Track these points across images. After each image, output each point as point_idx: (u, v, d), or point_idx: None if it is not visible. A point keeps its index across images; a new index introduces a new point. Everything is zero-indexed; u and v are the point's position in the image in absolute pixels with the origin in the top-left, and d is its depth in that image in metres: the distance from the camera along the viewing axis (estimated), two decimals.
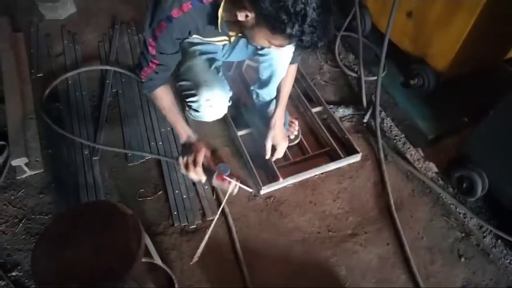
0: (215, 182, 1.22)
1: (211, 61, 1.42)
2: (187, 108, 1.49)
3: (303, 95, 1.84)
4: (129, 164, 1.60)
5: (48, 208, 1.47)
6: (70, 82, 1.87)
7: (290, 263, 1.37)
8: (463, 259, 1.41)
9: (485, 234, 1.45)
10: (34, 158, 1.58)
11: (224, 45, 1.45)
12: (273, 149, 1.55)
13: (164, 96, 1.29)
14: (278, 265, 1.36)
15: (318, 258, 1.39)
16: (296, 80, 1.82)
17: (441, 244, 1.44)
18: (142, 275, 1.15)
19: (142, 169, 1.59)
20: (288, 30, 0.96)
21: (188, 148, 1.26)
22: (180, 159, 1.26)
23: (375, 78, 1.82)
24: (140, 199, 1.51)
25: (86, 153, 1.60)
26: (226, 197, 1.27)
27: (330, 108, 1.80)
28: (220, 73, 1.43)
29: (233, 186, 1.21)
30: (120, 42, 2.08)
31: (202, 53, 1.41)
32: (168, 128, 1.71)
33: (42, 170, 1.57)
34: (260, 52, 1.46)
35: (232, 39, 1.28)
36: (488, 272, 1.38)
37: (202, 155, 1.22)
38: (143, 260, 1.27)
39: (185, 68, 1.40)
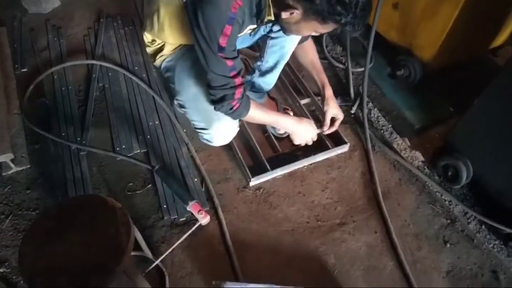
0: (190, 209, 1.30)
1: None
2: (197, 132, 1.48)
3: (291, 87, 1.85)
4: (117, 158, 1.59)
5: (35, 204, 1.46)
6: (55, 77, 1.85)
7: (280, 253, 1.39)
8: (448, 245, 1.44)
9: (469, 220, 1.49)
10: (20, 154, 1.56)
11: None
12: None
13: (257, 107, 1.35)
14: (268, 256, 1.38)
15: (307, 248, 1.40)
16: (284, 72, 1.82)
17: (427, 231, 1.47)
18: (133, 268, 1.15)
19: (130, 163, 1.58)
20: (343, 20, 1.00)
21: (298, 129, 1.46)
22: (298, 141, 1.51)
23: (362, 69, 1.83)
24: (129, 193, 1.51)
25: (73, 148, 1.59)
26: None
27: (318, 100, 1.81)
28: None
29: (207, 219, 1.29)
30: (106, 36, 2.05)
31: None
32: (157, 122, 1.70)
33: (29, 166, 1.55)
34: (272, 35, 1.45)
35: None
36: (472, 257, 1.42)
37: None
38: (133, 253, 1.29)
39: (190, 97, 1.36)
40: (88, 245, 0.95)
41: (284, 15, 1.06)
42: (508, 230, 1.38)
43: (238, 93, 1.22)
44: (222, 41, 1.08)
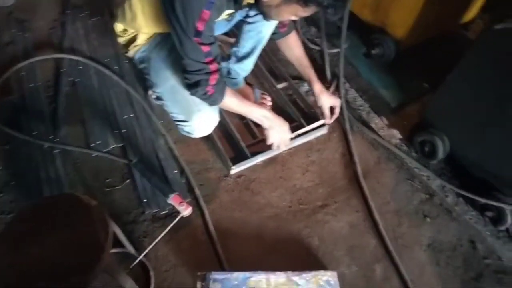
0: (171, 202, 1.29)
1: None
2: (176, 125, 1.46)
3: (267, 72, 1.83)
4: (93, 155, 1.55)
5: (10, 207, 1.41)
6: (22, 73, 1.77)
7: (264, 239, 1.39)
8: (428, 219, 1.47)
9: (447, 194, 1.52)
10: None
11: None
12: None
13: (233, 95, 1.32)
14: (252, 242, 1.38)
15: (290, 232, 1.41)
16: (259, 57, 1.79)
17: (407, 206, 1.50)
18: (114, 266, 1.13)
19: (107, 158, 1.54)
20: (326, 2, 1.00)
21: (276, 125, 1.42)
22: (271, 139, 1.45)
23: (338, 50, 1.82)
24: (107, 189, 1.47)
25: (46, 146, 1.54)
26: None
27: (295, 83, 1.80)
28: None
29: (189, 210, 1.27)
30: (73, 27, 1.97)
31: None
32: (131, 115, 1.66)
33: (0, 168, 1.50)
34: (249, 20, 1.42)
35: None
36: (451, 229, 1.46)
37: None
38: (114, 250, 1.27)
39: (167, 89, 1.34)
40: (65, 245, 0.93)
41: None
42: (483, 201, 1.42)
43: (213, 79, 1.21)
44: (200, 26, 1.06)
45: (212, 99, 1.28)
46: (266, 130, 1.46)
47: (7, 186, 1.46)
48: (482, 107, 1.34)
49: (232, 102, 1.34)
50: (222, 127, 1.63)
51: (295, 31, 1.56)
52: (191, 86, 1.23)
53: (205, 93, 1.24)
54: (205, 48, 1.13)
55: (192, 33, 1.08)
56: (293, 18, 1.16)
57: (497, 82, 1.25)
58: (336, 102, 1.60)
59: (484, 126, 1.37)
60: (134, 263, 1.23)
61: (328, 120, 1.62)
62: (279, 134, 1.46)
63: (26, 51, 1.87)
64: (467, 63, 1.32)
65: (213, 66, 1.19)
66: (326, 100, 1.58)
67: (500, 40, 1.18)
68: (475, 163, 1.46)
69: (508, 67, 1.20)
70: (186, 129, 1.41)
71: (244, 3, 1.16)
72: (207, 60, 1.17)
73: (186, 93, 1.29)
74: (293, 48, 1.56)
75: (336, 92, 1.77)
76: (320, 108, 1.60)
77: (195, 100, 1.32)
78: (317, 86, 1.57)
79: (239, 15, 1.40)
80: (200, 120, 1.36)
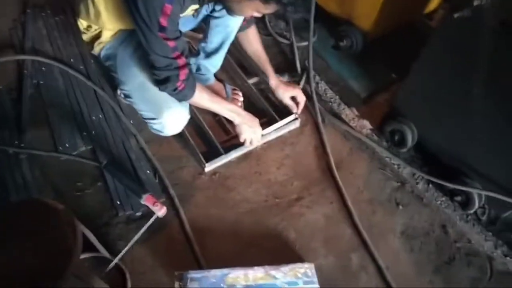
0: (144, 202, 1.29)
1: None
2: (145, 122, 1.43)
3: (238, 67, 1.82)
4: (61, 158, 1.50)
5: None
6: None
7: (241, 235, 1.39)
8: (400, 207, 1.51)
9: (418, 181, 1.56)
10: None
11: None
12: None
13: (203, 90, 1.30)
14: (229, 239, 1.38)
15: (267, 226, 1.42)
16: (229, 52, 1.78)
17: (380, 195, 1.53)
18: (87, 271, 1.11)
19: (76, 161, 1.50)
20: (285, 0, 1.02)
21: (247, 121, 1.42)
22: (244, 136, 1.46)
23: (306, 43, 1.84)
24: (78, 193, 1.43)
25: (10, 152, 1.48)
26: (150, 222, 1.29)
27: (266, 78, 1.79)
28: None
29: (163, 211, 1.28)
30: (35, 27, 1.90)
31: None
32: (100, 116, 1.61)
33: None
34: (215, 14, 1.41)
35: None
36: (423, 215, 1.50)
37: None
38: (87, 255, 1.24)
39: (135, 86, 1.31)
40: (33, 252, 0.89)
41: None
42: (452, 186, 1.47)
43: (183, 74, 1.20)
44: (163, 21, 1.05)
45: (182, 95, 1.26)
46: (238, 127, 1.46)
47: None
48: (446, 94, 1.38)
49: (202, 98, 1.33)
50: (194, 124, 1.62)
51: (254, 25, 1.56)
52: (161, 82, 1.22)
53: (175, 89, 1.22)
54: (171, 43, 1.12)
55: (156, 29, 1.07)
56: (256, 14, 1.17)
57: (458, 70, 1.29)
58: (295, 92, 1.61)
59: (449, 113, 1.41)
60: (109, 266, 1.21)
61: (295, 110, 1.63)
62: (250, 130, 1.46)
63: None
64: (430, 52, 1.35)
65: (181, 61, 1.17)
66: (284, 93, 1.61)
67: (458, 29, 1.22)
68: (443, 150, 1.51)
69: (468, 54, 1.24)
70: (156, 127, 1.39)
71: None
72: (174, 55, 1.15)
73: (155, 90, 1.27)
74: (252, 42, 1.57)
75: (307, 84, 1.78)
76: (281, 101, 1.63)
77: (165, 97, 1.30)
78: (273, 81, 1.61)
79: (205, 10, 1.39)
80: (171, 118, 1.34)
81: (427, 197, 1.53)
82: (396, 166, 1.59)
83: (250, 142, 1.50)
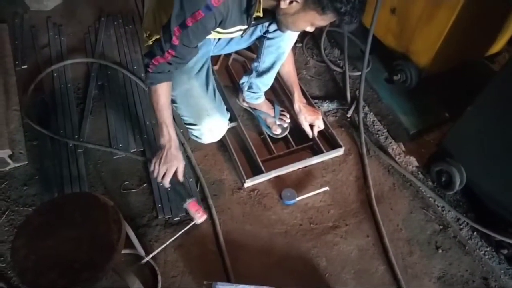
0: (187, 207, 1.32)
1: (207, 78, 1.41)
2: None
3: (288, 90, 1.86)
4: (114, 157, 1.60)
5: (32, 200, 1.47)
6: (55, 74, 1.86)
7: (272, 255, 1.40)
8: (440, 251, 1.44)
9: (461, 227, 1.49)
10: (18, 150, 1.58)
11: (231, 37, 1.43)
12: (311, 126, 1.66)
13: (164, 93, 1.25)
14: (260, 257, 1.39)
15: (299, 250, 1.41)
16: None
17: (419, 236, 1.48)
18: (124, 266, 1.16)
19: (127, 161, 1.60)
20: (343, 8, 1.00)
21: (166, 154, 1.27)
22: (154, 161, 1.29)
23: (359, 73, 1.84)
24: (124, 191, 1.52)
25: (70, 145, 1.61)
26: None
27: (315, 103, 1.82)
28: (217, 94, 1.45)
29: (203, 218, 1.32)
30: (106, 34, 2.07)
31: (197, 65, 1.37)
32: (153, 121, 1.71)
33: (26, 163, 1.57)
34: (268, 36, 1.46)
35: (250, 28, 1.24)
36: (464, 263, 1.42)
37: (181, 169, 1.30)
38: (125, 251, 1.30)
39: (181, 92, 1.37)
40: (79, 242, 0.97)
41: (283, 4, 1.06)
42: (499, 237, 1.39)
43: (159, 61, 1.17)
44: (189, 22, 1.06)
45: (147, 76, 1.24)
46: (158, 154, 1.32)
47: (32, 180, 1.53)
48: (502, 140, 1.32)
49: (157, 98, 1.25)
50: (239, 139, 1.67)
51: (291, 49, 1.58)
52: (147, 55, 1.22)
53: (147, 66, 1.21)
54: (175, 41, 1.12)
55: (178, 22, 1.08)
56: (309, 28, 1.15)
57: None
58: (314, 120, 1.63)
59: (503, 159, 1.35)
60: (142, 261, 1.26)
61: (311, 136, 1.65)
62: (164, 165, 1.28)
63: (60, 54, 1.97)
64: (489, 95, 1.31)
65: (168, 55, 1.16)
66: (306, 118, 1.63)
67: None
68: (492, 197, 1.43)
69: None
70: (195, 133, 1.44)
71: (255, 15, 1.17)
72: (170, 50, 1.15)
73: (198, 98, 1.34)
74: (286, 62, 1.60)
75: (355, 114, 1.78)
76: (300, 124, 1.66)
77: (206, 105, 1.36)
78: (297, 104, 1.63)
79: (259, 31, 1.45)
80: (209, 126, 1.39)
81: (470, 245, 1.46)
82: (440, 208, 1.54)
83: (156, 176, 1.31)
